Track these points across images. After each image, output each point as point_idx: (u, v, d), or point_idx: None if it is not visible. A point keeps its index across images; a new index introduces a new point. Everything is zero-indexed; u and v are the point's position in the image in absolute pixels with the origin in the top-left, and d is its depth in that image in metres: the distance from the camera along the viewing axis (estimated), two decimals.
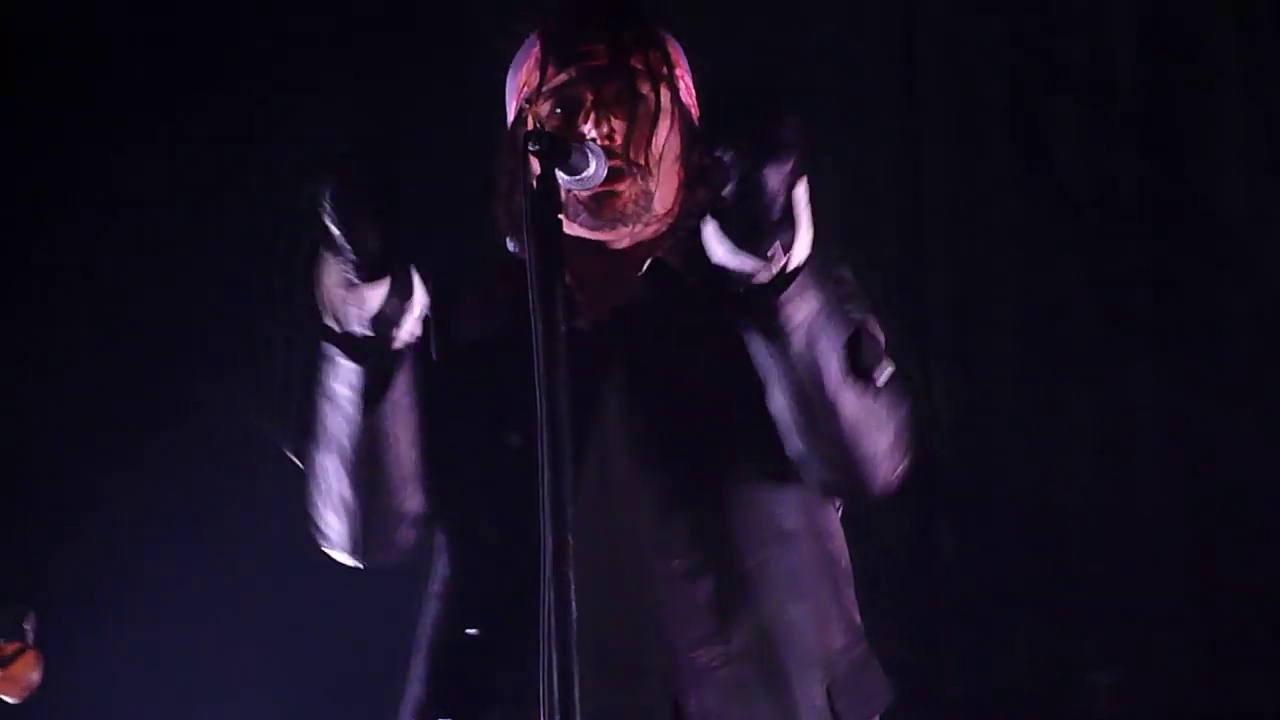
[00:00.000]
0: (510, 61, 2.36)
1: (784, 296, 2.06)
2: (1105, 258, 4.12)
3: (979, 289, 4.19)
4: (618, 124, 2.25)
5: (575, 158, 2.08)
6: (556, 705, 1.82)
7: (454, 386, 2.28)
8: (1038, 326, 4.14)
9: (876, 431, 2.18)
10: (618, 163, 2.22)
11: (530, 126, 2.23)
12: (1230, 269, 4.06)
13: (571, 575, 1.87)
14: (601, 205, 2.24)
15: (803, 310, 2.08)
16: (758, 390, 2.19)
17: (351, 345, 2.16)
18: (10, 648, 2.72)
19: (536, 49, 2.31)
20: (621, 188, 2.24)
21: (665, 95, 2.29)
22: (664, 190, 2.29)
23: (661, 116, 2.28)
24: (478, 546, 2.25)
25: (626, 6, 2.33)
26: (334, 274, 2.13)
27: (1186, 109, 4.11)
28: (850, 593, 2.34)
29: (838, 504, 2.37)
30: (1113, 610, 4.01)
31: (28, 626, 2.74)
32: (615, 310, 2.29)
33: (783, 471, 2.24)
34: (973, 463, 4.17)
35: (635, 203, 2.26)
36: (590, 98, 2.25)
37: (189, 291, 4.15)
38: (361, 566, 2.31)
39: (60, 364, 4.17)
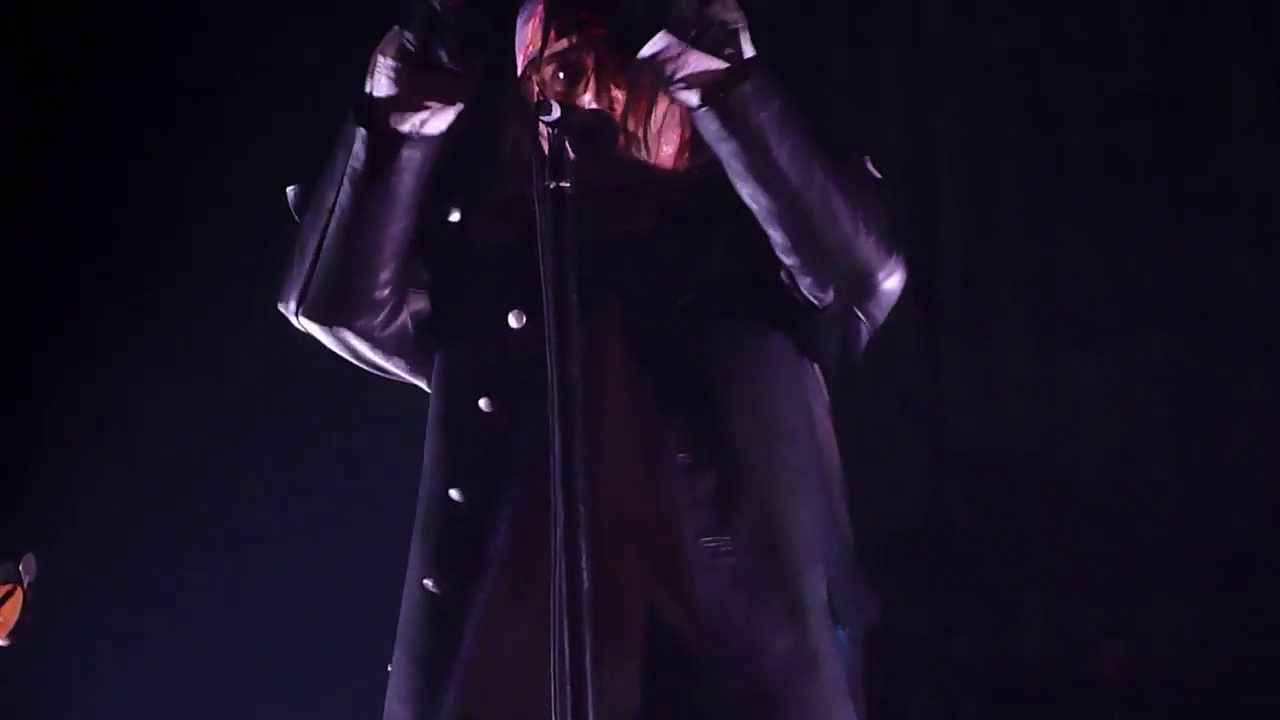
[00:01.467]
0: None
1: (748, 88, 2.10)
2: (1116, 228, 4.12)
3: (990, 259, 4.18)
4: (618, 94, 2.26)
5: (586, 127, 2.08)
6: (568, 674, 1.82)
7: (466, 260, 2.30)
8: (1048, 296, 4.14)
9: (858, 205, 2.16)
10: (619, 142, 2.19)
11: (535, 91, 2.23)
12: (1241, 238, 4.05)
13: (584, 545, 1.86)
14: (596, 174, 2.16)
15: (770, 103, 2.12)
16: (754, 276, 2.22)
17: (368, 107, 2.15)
18: (0, 589, 2.68)
19: (541, 7, 2.31)
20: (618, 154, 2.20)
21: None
22: (662, 156, 2.29)
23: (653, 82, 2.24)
24: (474, 420, 2.24)
25: None
26: (393, 44, 2.13)
27: (1197, 79, 4.10)
28: (845, 501, 2.33)
29: (827, 399, 2.36)
30: (1123, 579, 4.02)
31: (23, 568, 2.68)
32: (619, 230, 2.28)
33: (783, 363, 2.26)
34: (984, 433, 4.17)
35: (629, 168, 2.26)
36: (591, 66, 2.25)
37: None
38: (319, 328, 2.29)
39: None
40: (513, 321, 2.25)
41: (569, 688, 1.80)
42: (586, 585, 1.85)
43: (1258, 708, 3.95)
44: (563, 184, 1.99)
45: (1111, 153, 4.14)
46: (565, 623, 1.84)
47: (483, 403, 2.25)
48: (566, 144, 2.02)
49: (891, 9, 4.22)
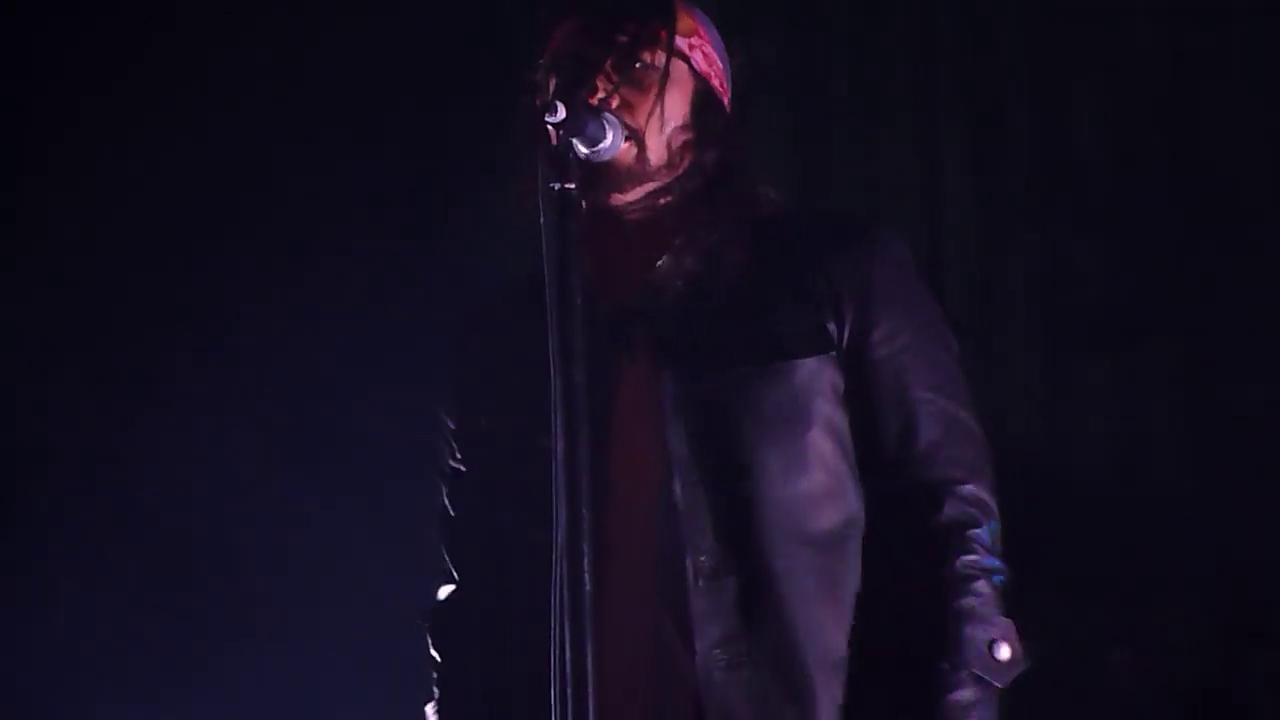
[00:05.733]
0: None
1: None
2: (1122, 233, 4.10)
3: (995, 264, 4.17)
4: (618, 89, 2.26)
5: (592, 128, 2.08)
6: (569, 678, 1.81)
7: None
8: (1054, 302, 4.12)
9: None
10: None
11: (538, 93, 2.24)
12: (1247, 243, 4.03)
13: (586, 549, 1.86)
14: (597, 174, 2.21)
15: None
16: (789, 382, 2.23)
17: None
18: None
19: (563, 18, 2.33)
20: (618, 156, 2.21)
21: (672, 60, 2.30)
22: (660, 153, 2.29)
23: (667, 83, 2.28)
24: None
25: None
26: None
27: (1206, 84, 4.08)
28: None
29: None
30: (1130, 586, 4.00)
31: None
32: (637, 296, 2.30)
33: (821, 463, 2.26)
34: (991, 439, 4.14)
35: (630, 169, 2.26)
36: (590, 61, 2.27)
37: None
38: None
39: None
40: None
41: (570, 692, 1.80)
42: (588, 589, 1.85)
43: (1268, 715, 3.94)
44: (567, 185, 1.99)
45: (1121, 158, 4.13)
46: (567, 630, 1.84)
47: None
48: (571, 144, 2.02)
49: (900, 11, 4.21)
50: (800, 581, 2.21)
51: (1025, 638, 2.42)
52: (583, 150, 2.06)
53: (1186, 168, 4.08)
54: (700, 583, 2.18)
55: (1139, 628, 4.01)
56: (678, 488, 2.20)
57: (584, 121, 2.05)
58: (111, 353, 4.09)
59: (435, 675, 2.42)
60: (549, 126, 2.02)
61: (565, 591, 1.82)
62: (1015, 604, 4.02)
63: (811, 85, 4.22)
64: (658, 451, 2.21)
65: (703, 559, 2.19)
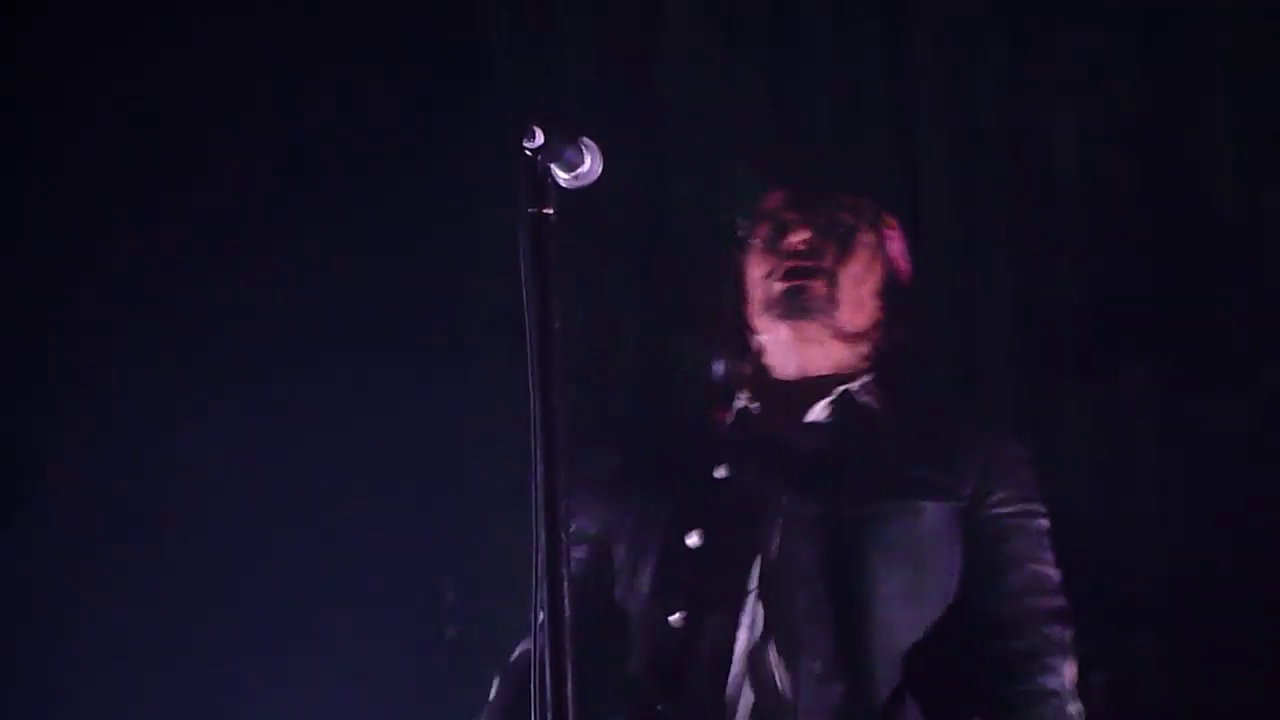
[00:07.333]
0: None
1: None
2: (1101, 258, 4.11)
3: (973, 289, 4.18)
4: (815, 238, 2.63)
5: (570, 153, 2.08)
6: (549, 705, 1.81)
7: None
8: (1033, 326, 4.13)
9: None
10: (808, 263, 2.59)
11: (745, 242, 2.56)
12: (1227, 268, 4.05)
13: (565, 573, 1.86)
14: (793, 298, 2.58)
15: None
16: (917, 521, 2.52)
17: None
18: None
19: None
20: (810, 283, 2.57)
21: (868, 234, 2.70)
22: (854, 311, 2.65)
23: (860, 246, 2.67)
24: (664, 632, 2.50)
25: None
26: None
27: (1184, 108, 4.10)
28: None
29: None
30: (1106, 610, 4.00)
31: None
32: (799, 426, 2.58)
33: (930, 592, 2.53)
34: None
35: (822, 299, 2.60)
36: (797, 216, 2.64)
37: None
38: None
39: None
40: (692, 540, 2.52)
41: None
42: (569, 614, 1.85)
43: None
44: (545, 210, 2.00)
45: (1098, 182, 4.14)
46: (546, 655, 1.84)
47: (674, 618, 2.51)
48: (550, 170, 2.03)
49: (877, 38, 4.22)
50: (902, 698, 2.45)
51: None
52: (565, 178, 2.07)
53: (1167, 189, 4.09)
54: (812, 684, 2.39)
55: (1114, 653, 4.01)
56: (804, 597, 2.41)
57: (561, 147, 2.06)
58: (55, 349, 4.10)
59: None
60: (527, 151, 2.03)
61: (544, 617, 1.82)
62: None
63: (791, 104, 4.23)
64: (789, 561, 2.44)
65: (816, 664, 2.40)
